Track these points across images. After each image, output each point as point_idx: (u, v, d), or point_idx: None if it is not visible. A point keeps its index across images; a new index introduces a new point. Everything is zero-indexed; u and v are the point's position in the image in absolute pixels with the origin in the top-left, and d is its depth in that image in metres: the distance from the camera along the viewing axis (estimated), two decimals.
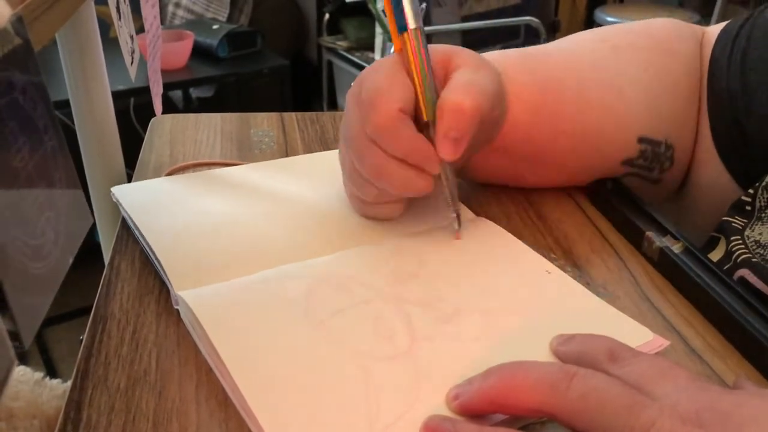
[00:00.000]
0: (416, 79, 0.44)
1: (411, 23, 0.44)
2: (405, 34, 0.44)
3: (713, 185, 0.56)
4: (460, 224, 0.47)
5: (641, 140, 0.54)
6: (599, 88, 0.53)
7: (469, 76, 0.44)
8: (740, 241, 0.48)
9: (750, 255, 0.46)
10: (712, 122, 0.55)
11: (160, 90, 0.67)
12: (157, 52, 0.66)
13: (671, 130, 0.56)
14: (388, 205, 0.48)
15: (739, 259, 0.47)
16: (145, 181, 0.55)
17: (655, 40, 0.57)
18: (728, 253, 0.48)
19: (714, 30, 0.58)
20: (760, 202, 0.49)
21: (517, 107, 0.50)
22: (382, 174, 0.44)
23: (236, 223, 0.48)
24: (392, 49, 0.45)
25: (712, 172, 0.56)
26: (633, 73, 0.55)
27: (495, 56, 0.51)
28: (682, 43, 0.57)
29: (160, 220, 0.48)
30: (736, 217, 0.50)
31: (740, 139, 0.53)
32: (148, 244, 0.45)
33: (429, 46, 0.45)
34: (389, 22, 0.45)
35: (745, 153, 0.53)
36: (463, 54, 0.46)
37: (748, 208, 0.50)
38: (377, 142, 0.43)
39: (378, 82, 0.43)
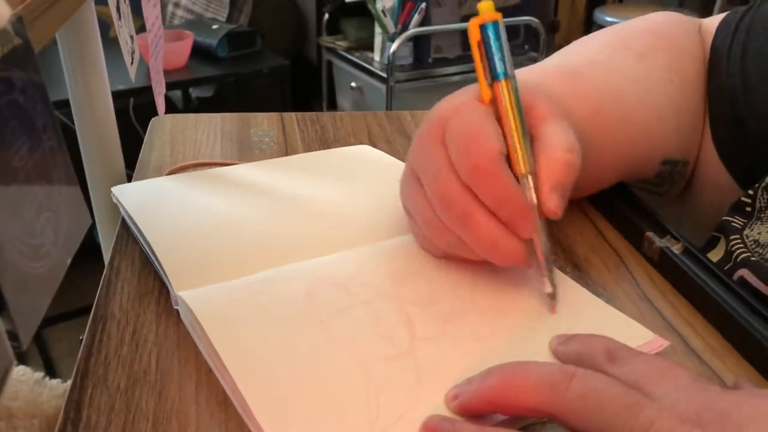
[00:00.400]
0: (513, 128, 0.41)
1: (509, 70, 0.41)
2: (501, 83, 0.41)
3: (714, 184, 0.56)
4: (556, 299, 0.41)
5: (664, 162, 0.54)
6: (642, 108, 0.52)
7: (566, 131, 0.41)
8: (739, 241, 0.48)
9: (749, 254, 0.46)
10: (712, 122, 0.55)
11: (163, 90, 0.67)
12: (160, 51, 0.66)
13: (690, 146, 0.56)
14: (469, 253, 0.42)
15: (738, 259, 0.47)
16: (145, 181, 0.55)
17: (670, 41, 0.56)
18: (728, 253, 0.48)
19: (711, 22, 0.58)
20: (759, 203, 0.49)
21: None
22: (467, 224, 0.39)
23: (236, 223, 0.48)
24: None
25: (713, 172, 0.56)
26: (662, 88, 0.54)
27: (539, 78, 0.48)
28: (687, 37, 0.57)
29: (159, 220, 0.48)
30: (736, 217, 0.50)
31: (740, 137, 0.53)
32: (148, 243, 0.45)
33: None
34: (478, 69, 0.42)
35: (746, 152, 0.53)
36: (544, 101, 0.43)
37: (748, 209, 0.49)
38: (472, 186, 0.39)
39: (473, 123, 0.40)
